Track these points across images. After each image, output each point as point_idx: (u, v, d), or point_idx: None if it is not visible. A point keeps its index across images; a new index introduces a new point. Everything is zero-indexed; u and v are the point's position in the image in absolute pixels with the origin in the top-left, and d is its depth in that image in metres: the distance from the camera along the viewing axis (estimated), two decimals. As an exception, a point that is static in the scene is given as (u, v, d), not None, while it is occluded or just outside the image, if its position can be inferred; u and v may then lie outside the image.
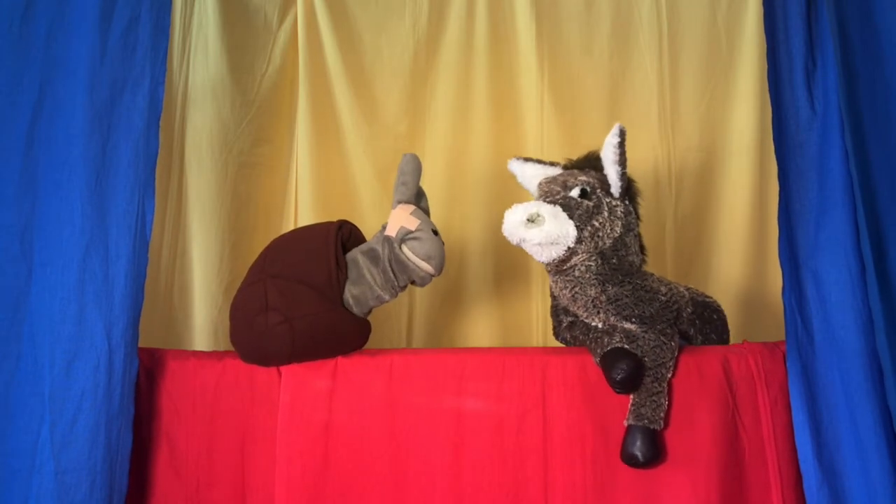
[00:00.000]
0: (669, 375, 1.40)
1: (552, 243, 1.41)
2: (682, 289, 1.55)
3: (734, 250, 2.06)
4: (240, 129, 2.02)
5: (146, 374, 1.45)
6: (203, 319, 1.97)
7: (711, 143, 2.08)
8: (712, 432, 1.40)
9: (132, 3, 1.41)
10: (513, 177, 1.62)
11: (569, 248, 1.43)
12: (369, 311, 1.55)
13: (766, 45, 1.47)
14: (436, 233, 1.52)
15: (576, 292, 1.47)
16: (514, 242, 1.44)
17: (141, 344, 1.41)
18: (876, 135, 1.37)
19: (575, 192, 1.46)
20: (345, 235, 1.56)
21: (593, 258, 1.45)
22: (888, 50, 1.39)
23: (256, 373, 1.46)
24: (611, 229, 1.46)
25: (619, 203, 1.48)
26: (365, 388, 1.42)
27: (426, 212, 1.60)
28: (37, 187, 1.38)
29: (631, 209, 1.51)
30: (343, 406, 1.42)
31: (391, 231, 1.51)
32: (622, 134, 1.45)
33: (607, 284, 1.45)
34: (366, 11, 2.09)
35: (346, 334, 1.49)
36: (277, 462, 1.40)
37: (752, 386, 1.43)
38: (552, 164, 1.58)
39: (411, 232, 1.49)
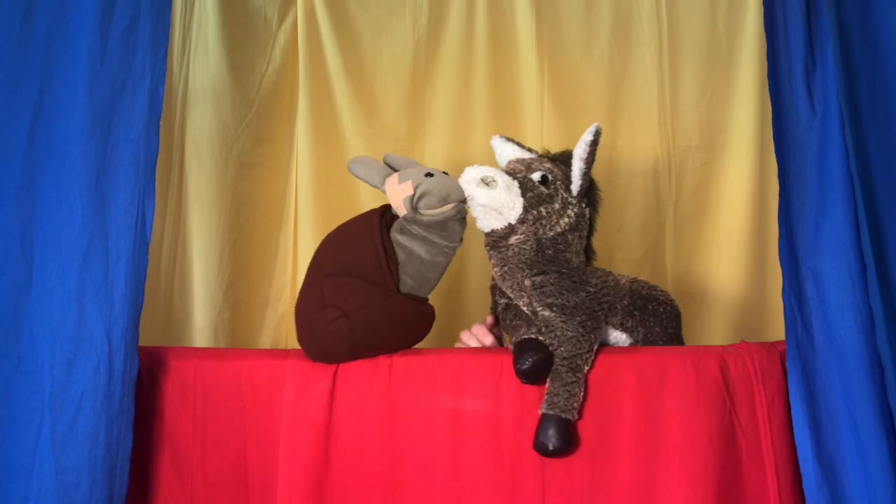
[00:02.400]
0: (586, 368, 1.40)
1: (496, 210, 1.43)
2: (623, 282, 1.54)
3: (734, 250, 2.06)
4: (240, 129, 2.02)
5: (147, 373, 1.44)
6: (203, 319, 1.97)
7: (711, 142, 2.08)
8: (709, 432, 1.40)
9: (132, 2, 1.40)
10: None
11: (510, 224, 1.44)
12: (434, 286, 1.51)
13: (766, 45, 1.47)
14: (429, 174, 1.47)
15: (505, 271, 1.47)
16: (466, 198, 1.46)
17: (140, 344, 1.41)
18: (876, 134, 1.37)
19: (535, 176, 1.46)
20: (389, 219, 1.52)
21: (529, 242, 1.45)
22: (888, 50, 1.39)
23: (259, 372, 1.46)
24: (556, 222, 1.45)
25: (574, 202, 1.48)
26: (366, 387, 1.42)
27: (407, 161, 1.55)
28: (37, 187, 1.37)
29: (586, 213, 1.50)
30: (344, 406, 1.42)
31: (401, 211, 1.47)
32: (597, 134, 1.46)
33: (534, 270, 1.45)
34: (366, 11, 2.09)
35: (406, 321, 1.47)
36: (280, 462, 1.40)
37: (750, 386, 1.43)
38: (530, 150, 1.59)
39: (413, 195, 1.44)
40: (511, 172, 1.48)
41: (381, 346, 1.44)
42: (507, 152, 1.60)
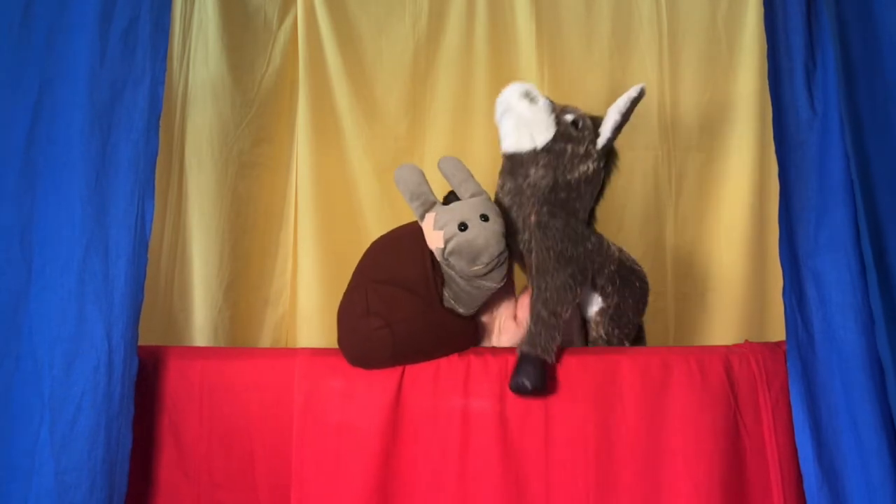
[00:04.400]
0: (565, 316, 1.44)
1: (527, 127, 1.44)
2: (613, 249, 1.57)
3: (734, 250, 2.06)
4: (240, 129, 2.02)
5: (151, 372, 1.45)
6: (203, 319, 1.97)
7: (711, 142, 2.08)
8: (714, 432, 1.40)
9: (132, 2, 1.40)
10: None
11: (535, 149, 1.45)
12: (477, 307, 1.51)
13: (766, 45, 1.47)
14: (463, 226, 1.39)
15: (515, 201, 1.49)
16: (499, 112, 1.47)
17: (140, 344, 1.41)
18: (876, 134, 1.37)
19: (568, 117, 1.49)
20: None
21: (547, 179, 1.46)
22: (888, 50, 1.39)
23: (265, 372, 1.46)
24: (576, 166, 1.47)
25: (596, 156, 1.50)
26: (376, 388, 1.42)
27: (457, 173, 1.49)
28: (37, 187, 1.37)
29: (601, 172, 1.52)
30: (355, 406, 1.42)
31: (437, 255, 1.45)
32: (642, 93, 1.49)
33: (544, 209, 1.47)
34: (366, 11, 2.09)
35: (449, 335, 1.47)
36: (293, 462, 1.41)
37: (754, 386, 1.44)
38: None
39: (444, 249, 1.41)
40: None
41: (421, 357, 1.44)
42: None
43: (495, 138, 2.06)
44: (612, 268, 1.54)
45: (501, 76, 2.09)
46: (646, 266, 2.03)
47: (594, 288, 1.53)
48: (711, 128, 2.08)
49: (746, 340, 1.54)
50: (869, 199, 1.35)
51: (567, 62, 2.08)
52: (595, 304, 1.56)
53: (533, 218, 1.46)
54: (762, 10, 1.48)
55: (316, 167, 2.03)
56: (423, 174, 1.48)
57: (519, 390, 1.37)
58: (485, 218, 1.41)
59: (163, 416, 1.44)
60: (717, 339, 2.00)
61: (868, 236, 1.32)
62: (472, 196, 1.45)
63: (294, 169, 2.07)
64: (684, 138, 2.08)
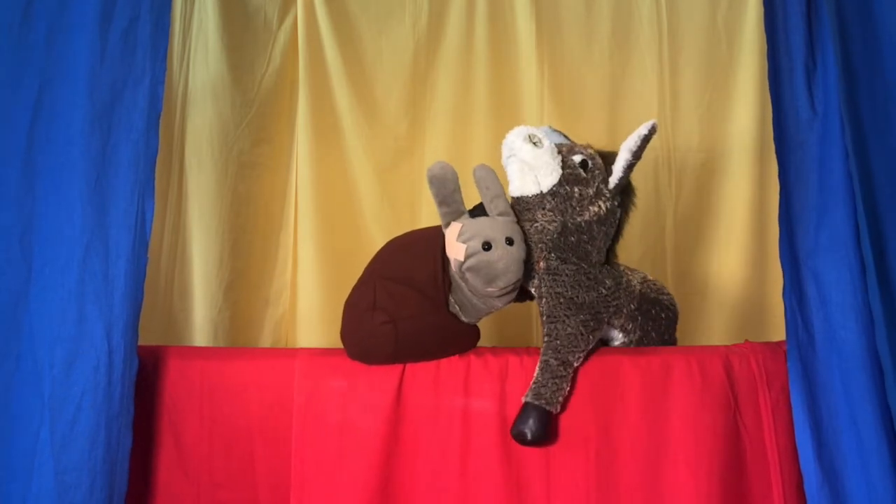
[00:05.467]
0: (577, 364, 1.41)
1: (533, 173, 1.43)
2: (634, 283, 1.54)
3: (734, 250, 2.06)
4: (240, 129, 2.02)
5: (151, 372, 1.44)
6: (203, 319, 1.97)
7: (711, 143, 2.08)
8: (714, 433, 1.40)
9: (132, 3, 1.40)
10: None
11: (541, 193, 1.44)
12: (483, 317, 1.51)
13: (766, 45, 1.47)
14: (487, 246, 1.38)
15: None
16: (504, 156, 1.45)
17: (140, 344, 1.41)
18: (876, 134, 1.37)
19: (576, 158, 1.47)
20: None
21: (555, 224, 1.45)
22: (888, 50, 1.39)
23: (266, 372, 1.46)
24: (585, 208, 1.45)
25: (609, 196, 1.48)
26: (375, 387, 1.42)
27: (491, 181, 1.46)
28: (37, 188, 1.37)
29: (617, 212, 1.50)
30: (356, 406, 1.42)
31: (453, 265, 1.44)
32: (653, 130, 1.47)
33: (553, 255, 1.45)
34: (366, 11, 2.09)
35: (451, 337, 1.48)
36: (293, 462, 1.41)
37: (754, 386, 1.44)
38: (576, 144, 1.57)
39: (463, 263, 1.40)
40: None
41: (423, 356, 1.45)
42: (553, 140, 1.56)
43: (495, 139, 2.06)
44: (633, 306, 1.51)
45: (501, 76, 2.09)
46: (646, 266, 2.04)
47: (615, 327, 1.52)
48: (711, 128, 2.08)
49: (747, 340, 1.53)
50: (869, 198, 1.34)
51: (567, 62, 2.09)
52: (616, 340, 1.54)
53: (542, 264, 1.45)
54: (762, 10, 1.48)
55: (316, 167, 2.04)
56: (457, 179, 1.45)
57: (518, 439, 1.36)
58: (510, 241, 1.40)
59: (163, 416, 1.44)
60: (717, 339, 2.00)
61: (868, 236, 1.32)
62: (500, 215, 1.44)
63: (294, 169, 2.07)
64: (684, 138, 2.08)
